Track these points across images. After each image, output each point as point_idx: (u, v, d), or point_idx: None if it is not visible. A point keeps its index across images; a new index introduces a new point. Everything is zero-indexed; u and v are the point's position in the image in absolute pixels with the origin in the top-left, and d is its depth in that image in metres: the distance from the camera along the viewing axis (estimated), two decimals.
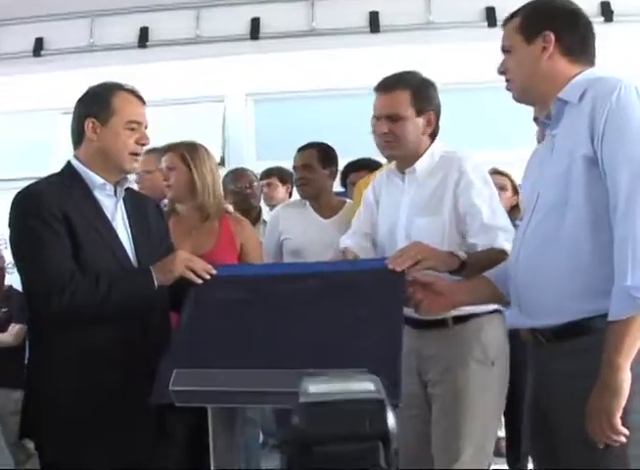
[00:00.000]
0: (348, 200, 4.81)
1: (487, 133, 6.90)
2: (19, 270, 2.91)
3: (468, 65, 6.62)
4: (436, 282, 2.75)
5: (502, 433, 4.93)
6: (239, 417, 3.87)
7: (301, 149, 4.71)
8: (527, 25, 2.51)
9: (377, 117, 3.26)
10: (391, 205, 3.35)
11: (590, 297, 2.28)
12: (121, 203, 3.00)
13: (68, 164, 2.99)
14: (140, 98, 3.00)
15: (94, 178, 2.92)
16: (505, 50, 2.57)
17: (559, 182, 2.37)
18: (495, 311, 3.24)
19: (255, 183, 5.54)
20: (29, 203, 2.82)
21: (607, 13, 6.65)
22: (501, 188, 4.72)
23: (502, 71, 2.58)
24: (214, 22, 6.98)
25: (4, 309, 5.31)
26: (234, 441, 3.64)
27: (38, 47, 7.18)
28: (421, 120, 3.21)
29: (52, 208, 2.77)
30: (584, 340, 2.29)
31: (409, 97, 3.19)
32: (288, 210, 4.83)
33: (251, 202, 5.43)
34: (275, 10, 6.93)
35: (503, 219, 3.16)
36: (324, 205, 4.69)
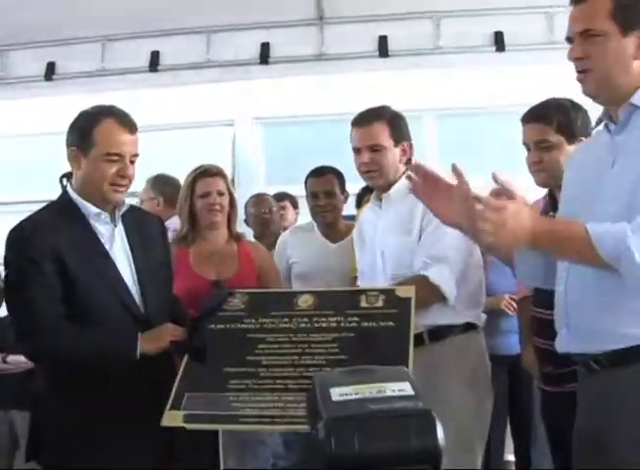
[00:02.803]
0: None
1: (494, 158, 6.92)
2: (8, 306, 2.94)
3: (476, 89, 6.66)
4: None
5: (511, 457, 4.92)
6: (249, 439, 3.89)
7: (318, 174, 4.66)
8: (626, 13, 2.19)
9: (358, 149, 3.44)
10: (370, 231, 3.53)
11: None
12: (121, 227, 2.98)
13: (65, 192, 2.98)
14: (128, 126, 2.93)
15: (89, 208, 2.92)
16: (588, 34, 2.23)
17: (620, 200, 2.17)
18: (470, 328, 3.36)
19: (275, 208, 5.58)
20: (19, 243, 2.83)
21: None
22: None
23: (578, 58, 2.26)
24: (224, 46, 7.01)
25: None
26: (245, 463, 3.65)
27: (50, 71, 7.21)
28: (398, 151, 3.42)
29: (43, 247, 2.77)
30: None
31: (387, 128, 3.40)
32: (295, 234, 4.81)
33: (271, 226, 5.45)
34: (284, 35, 6.95)
35: (441, 249, 3.24)
36: (334, 229, 4.67)
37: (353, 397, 1.17)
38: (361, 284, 3.50)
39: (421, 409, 1.15)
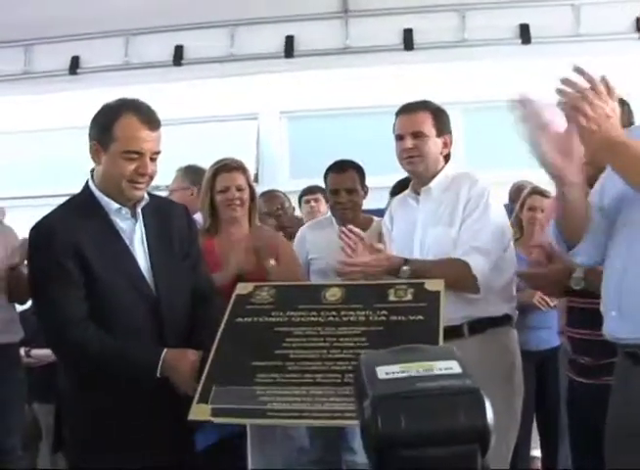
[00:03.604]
0: (376, 218, 4.71)
1: (520, 151, 6.88)
2: (34, 306, 2.93)
3: (502, 82, 6.62)
4: None
5: (537, 452, 4.89)
6: (277, 433, 3.87)
7: (339, 170, 4.55)
8: None
9: (400, 136, 3.43)
10: (406, 223, 3.51)
11: None
12: (141, 223, 2.93)
13: (87, 185, 2.92)
14: (150, 123, 2.82)
15: (109, 203, 2.86)
16: None
17: None
18: (508, 320, 3.39)
19: (287, 204, 5.54)
20: (41, 241, 2.80)
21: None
22: (543, 210, 4.64)
23: None
24: (249, 40, 7.02)
25: None
26: (272, 460, 3.63)
27: (74, 65, 7.26)
28: (440, 141, 3.44)
29: (64, 245, 2.74)
30: None
31: (431, 118, 3.41)
32: (314, 229, 4.75)
33: (284, 223, 5.41)
34: (309, 28, 6.95)
35: (483, 241, 3.27)
36: (353, 224, 4.56)
37: (400, 375, 1.14)
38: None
39: (469, 387, 1.12)
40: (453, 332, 3.08)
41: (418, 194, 3.50)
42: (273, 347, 2.69)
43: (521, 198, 4.86)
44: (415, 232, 3.41)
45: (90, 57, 7.26)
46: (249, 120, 7.66)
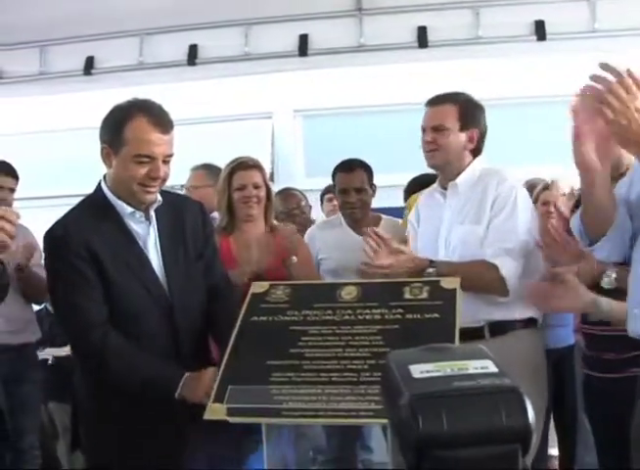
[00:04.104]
0: (384, 216, 4.73)
1: (538, 148, 6.85)
2: (54, 310, 2.92)
3: (517, 79, 6.59)
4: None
5: (554, 451, 4.86)
6: (292, 432, 3.87)
7: (348, 169, 4.56)
8: None
9: (423, 129, 3.42)
10: (433, 219, 3.47)
11: None
12: (154, 225, 2.89)
13: (99, 188, 2.88)
14: (161, 125, 2.73)
15: (123, 207, 2.82)
16: None
17: None
18: (532, 323, 3.34)
19: (303, 202, 5.52)
20: (56, 245, 2.78)
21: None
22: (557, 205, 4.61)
23: None
24: (263, 38, 7.03)
25: None
26: (287, 456, 3.64)
27: (89, 66, 7.28)
28: (464, 136, 3.37)
29: (79, 249, 2.71)
30: None
31: (456, 112, 3.36)
32: (324, 229, 4.75)
33: (301, 221, 5.38)
34: (323, 26, 6.95)
35: (513, 242, 3.23)
36: (362, 222, 4.52)
37: (436, 374, 1.11)
38: None
39: (509, 386, 1.09)
40: (473, 333, 3.06)
41: (445, 189, 3.46)
42: (288, 346, 2.68)
43: (534, 193, 4.84)
44: (441, 229, 3.39)
45: (105, 57, 7.29)
46: (263, 119, 7.65)
